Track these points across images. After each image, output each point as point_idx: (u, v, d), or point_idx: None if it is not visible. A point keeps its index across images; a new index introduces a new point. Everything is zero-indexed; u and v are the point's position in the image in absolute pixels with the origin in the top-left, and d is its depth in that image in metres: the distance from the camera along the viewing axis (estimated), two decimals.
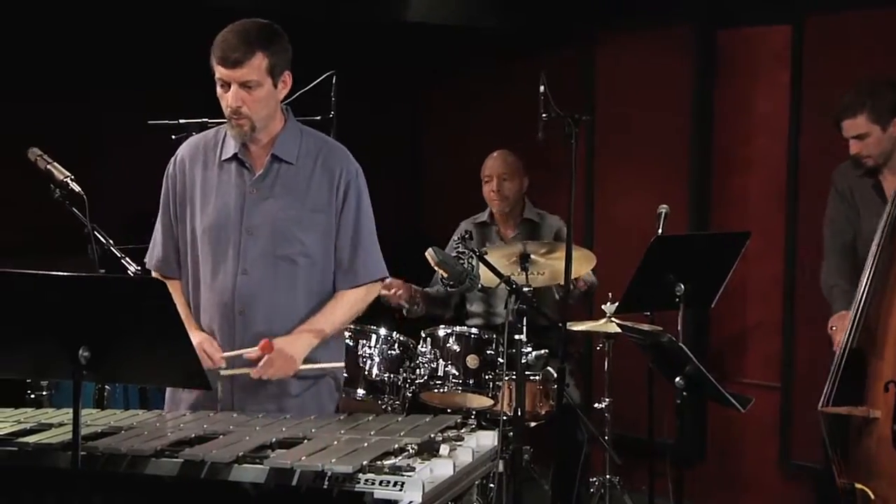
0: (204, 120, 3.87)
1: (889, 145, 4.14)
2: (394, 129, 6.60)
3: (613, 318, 4.52)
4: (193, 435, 2.79)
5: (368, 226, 3.30)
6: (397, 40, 6.08)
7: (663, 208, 4.57)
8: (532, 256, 4.45)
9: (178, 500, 2.67)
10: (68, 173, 3.36)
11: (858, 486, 3.81)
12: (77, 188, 3.34)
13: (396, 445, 2.68)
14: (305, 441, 2.74)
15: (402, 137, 6.73)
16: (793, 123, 5.23)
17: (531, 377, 4.40)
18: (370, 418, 3.03)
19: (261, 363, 3.10)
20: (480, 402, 4.48)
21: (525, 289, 3.82)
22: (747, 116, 5.46)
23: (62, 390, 4.23)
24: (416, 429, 2.87)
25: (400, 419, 3.02)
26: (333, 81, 4.37)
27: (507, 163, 4.99)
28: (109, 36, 5.21)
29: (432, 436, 2.79)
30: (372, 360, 4.46)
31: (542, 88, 3.94)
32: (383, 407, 4.43)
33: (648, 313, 4.51)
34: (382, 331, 4.50)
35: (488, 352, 4.44)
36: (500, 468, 3.17)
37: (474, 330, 4.55)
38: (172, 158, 3.32)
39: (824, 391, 3.88)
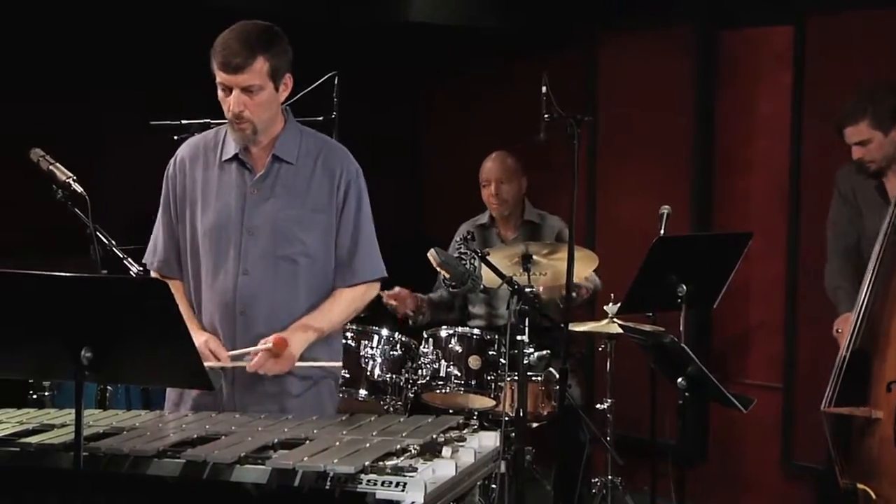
0: (206, 120, 3.87)
1: (891, 149, 4.14)
2: (395, 130, 6.61)
3: (615, 319, 4.52)
4: (195, 435, 2.79)
5: (368, 225, 3.31)
6: (399, 41, 6.08)
7: (665, 209, 4.57)
8: (534, 257, 4.45)
9: (180, 501, 2.67)
10: (70, 174, 3.36)
11: (860, 486, 3.81)
12: (79, 189, 3.34)
13: (398, 446, 2.68)
14: (307, 442, 2.74)
15: (403, 138, 6.73)
16: (795, 124, 5.23)
17: (533, 378, 4.40)
18: (372, 419, 3.03)
19: (257, 358, 3.10)
20: (482, 402, 4.48)
21: (527, 289, 3.81)
22: (749, 117, 5.46)
23: (64, 391, 4.24)
24: (419, 429, 2.87)
25: (402, 420, 3.01)
26: (335, 82, 4.37)
27: (504, 166, 4.98)
28: (111, 36, 5.21)
29: (434, 436, 2.79)
30: (374, 360, 4.46)
31: (543, 89, 3.94)
32: (385, 407, 4.43)
33: (650, 314, 4.51)
34: (384, 331, 4.50)
35: (490, 352, 4.44)
36: (502, 469, 3.18)
37: (476, 331, 4.55)
38: (172, 159, 3.32)
39: (827, 392, 3.89)
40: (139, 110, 4.28)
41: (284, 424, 2.93)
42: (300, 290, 3.23)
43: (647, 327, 4.17)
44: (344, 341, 4.39)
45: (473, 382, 4.42)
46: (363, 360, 4.44)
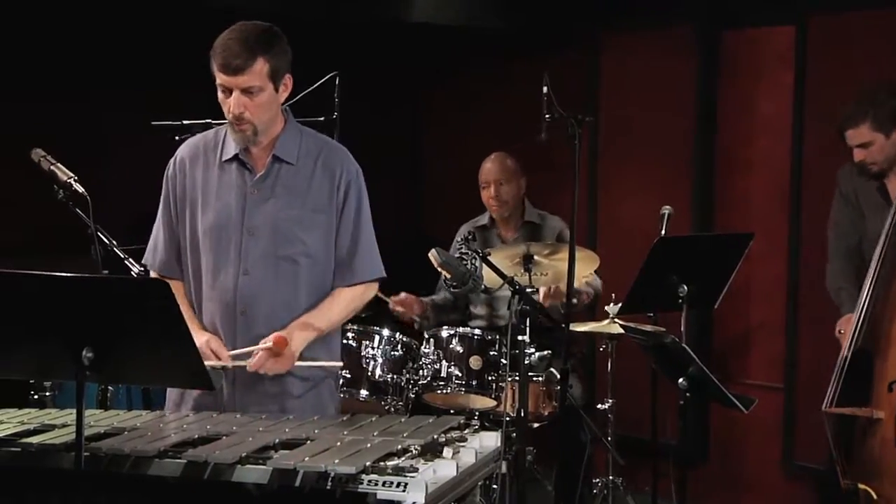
0: (207, 121, 3.87)
1: (893, 151, 4.14)
2: (396, 130, 6.61)
3: (616, 319, 4.52)
4: (197, 436, 2.79)
5: (368, 225, 3.31)
6: (400, 41, 6.08)
7: (666, 209, 4.56)
8: (535, 257, 4.44)
9: (181, 501, 2.67)
10: (72, 174, 3.36)
11: (861, 486, 3.82)
12: (80, 189, 3.34)
13: (400, 446, 2.68)
14: (308, 442, 2.74)
15: (404, 138, 6.73)
16: (796, 124, 5.23)
17: (534, 378, 4.39)
18: (373, 419, 3.03)
19: (257, 357, 3.10)
20: (483, 402, 4.48)
21: (528, 289, 3.81)
22: (751, 117, 5.46)
23: (65, 391, 4.24)
24: (420, 430, 2.87)
25: (403, 420, 3.01)
26: (336, 82, 4.37)
27: (503, 167, 4.98)
28: (112, 36, 5.21)
29: (435, 437, 2.79)
30: (375, 361, 4.46)
31: (545, 89, 3.93)
32: (386, 408, 4.43)
33: (651, 314, 4.51)
34: (386, 332, 4.50)
35: (491, 353, 4.44)
36: (504, 469, 3.18)
37: (477, 331, 4.55)
38: (172, 159, 3.31)
39: (828, 392, 3.89)
40: (140, 110, 4.28)
41: (285, 425, 2.93)
42: (301, 290, 3.23)
43: (649, 327, 4.17)
44: (345, 341, 4.41)
45: (474, 383, 4.42)
46: (364, 360, 4.44)
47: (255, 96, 3.10)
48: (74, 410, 2.51)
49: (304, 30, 4.76)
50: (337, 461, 2.53)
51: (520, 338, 3.65)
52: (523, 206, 5.07)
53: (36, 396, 4.21)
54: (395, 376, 4.46)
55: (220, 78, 3.10)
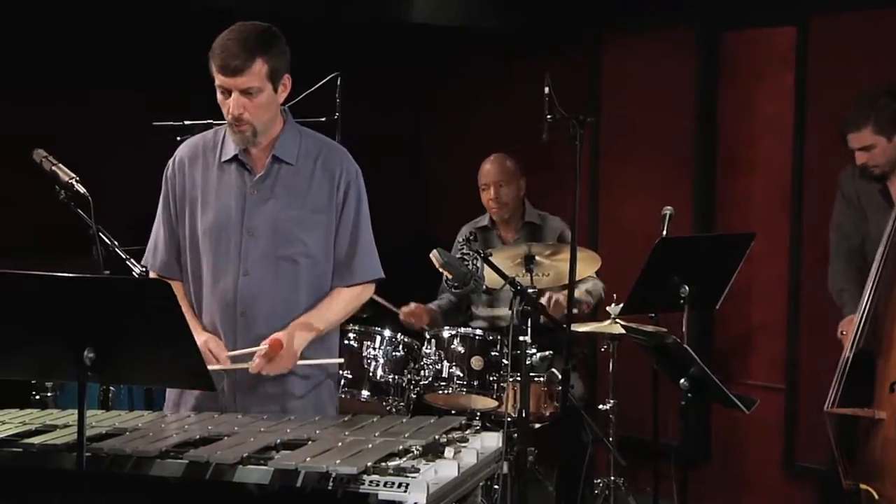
0: (208, 121, 3.87)
1: (895, 154, 4.14)
2: (398, 130, 6.61)
3: (618, 320, 4.52)
4: (198, 436, 2.79)
5: (367, 226, 3.31)
6: (401, 41, 6.08)
7: (668, 210, 4.57)
8: (537, 258, 4.44)
9: (182, 501, 2.67)
10: (73, 174, 3.36)
11: (863, 486, 3.82)
12: (82, 189, 3.34)
13: (401, 447, 2.68)
14: (310, 442, 2.74)
15: (405, 138, 6.73)
16: (797, 125, 5.23)
17: (535, 378, 4.39)
18: (374, 420, 3.02)
19: (258, 359, 3.09)
20: (485, 403, 4.48)
21: (529, 290, 3.81)
22: (752, 118, 5.46)
23: (67, 392, 4.24)
24: (421, 430, 2.87)
25: (404, 420, 3.01)
26: (338, 83, 4.37)
27: (502, 168, 4.97)
28: (113, 37, 5.22)
29: (437, 437, 2.79)
30: (376, 361, 4.46)
31: (546, 90, 3.94)
32: (388, 408, 4.43)
33: (653, 315, 4.51)
34: (387, 332, 4.50)
35: (493, 353, 4.44)
36: (505, 469, 3.18)
37: (479, 331, 4.55)
38: (171, 159, 3.31)
39: (830, 393, 3.89)
40: (142, 111, 4.29)
41: (287, 425, 2.93)
42: (301, 291, 3.23)
43: (650, 328, 4.17)
44: (346, 342, 4.41)
45: (476, 383, 4.42)
46: (366, 360, 4.45)
47: (254, 97, 3.10)
48: (76, 411, 2.51)
49: (305, 31, 4.76)
50: (338, 461, 2.53)
51: (521, 338, 3.65)
52: (524, 207, 5.07)
53: (38, 397, 4.21)
54: (396, 377, 4.46)
55: (219, 79, 3.10)
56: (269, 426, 2.91)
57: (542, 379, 4.46)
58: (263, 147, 3.21)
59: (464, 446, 2.81)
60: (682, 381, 3.51)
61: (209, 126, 3.71)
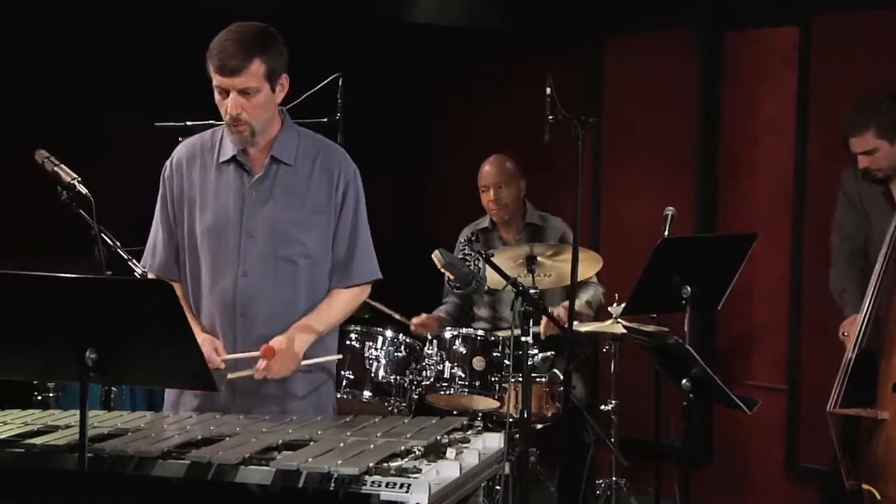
0: (210, 122, 3.87)
1: None
2: (399, 131, 6.60)
3: (620, 320, 4.52)
4: (200, 437, 2.79)
5: (365, 227, 3.31)
6: (403, 42, 6.08)
7: (670, 210, 4.56)
8: (538, 258, 4.44)
9: (184, 502, 2.68)
10: (75, 175, 3.36)
11: (865, 486, 3.82)
12: (84, 190, 3.34)
13: (403, 447, 2.68)
14: (312, 443, 2.74)
15: (407, 139, 6.73)
16: (799, 125, 5.23)
17: (537, 379, 4.39)
18: (376, 420, 3.02)
19: (263, 364, 3.10)
20: (486, 403, 4.48)
21: (531, 290, 3.81)
22: (754, 118, 5.45)
23: (69, 392, 4.24)
24: (423, 431, 2.87)
25: (406, 421, 3.01)
26: (339, 83, 4.37)
27: (502, 170, 4.97)
28: (115, 37, 5.22)
29: (438, 438, 2.80)
30: (378, 362, 4.46)
31: (548, 90, 3.93)
32: (389, 409, 4.43)
33: (655, 315, 4.50)
34: (389, 333, 4.50)
35: (494, 353, 4.44)
36: (507, 470, 3.18)
37: (480, 332, 4.55)
38: (168, 160, 3.30)
39: (833, 393, 3.89)
40: (144, 112, 4.29)
41: (288, 426, 2.93)
42: (300, 291, 3.23)
43: (652, 328, 4.17)
44: (348, 342, 4.41)
45: (477, 384, 4.42)
46: (367, 361, 4.44)
47: (252, 97, 3.09)
48: (78, 411, 2.51)
49: (307, 31, 4.76)
50: (340, 462, 2.53)
51: (523, 339, 3.65)
52: (524, 209, 5.06)
53: (39, 397, 4.20)
54: (398, 377, 4.46)
55: (217, 79, 3.10)
56: (270, 427, 2.91)
57: (543, 379, 4.46)
58: (261, 148, 3.21)
59: (466, 447, 2.81)
60: (683, 381, 3.51)
61: (211, 126, 3.71)
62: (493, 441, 2.97)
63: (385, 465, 2.56)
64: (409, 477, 2.50)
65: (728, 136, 5.54)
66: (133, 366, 2.56)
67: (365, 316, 4.64)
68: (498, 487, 4.15)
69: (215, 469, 2.59)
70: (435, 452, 2.70)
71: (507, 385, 4.36)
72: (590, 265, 4.57)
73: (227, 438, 2.79)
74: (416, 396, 4.51)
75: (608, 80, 5.88)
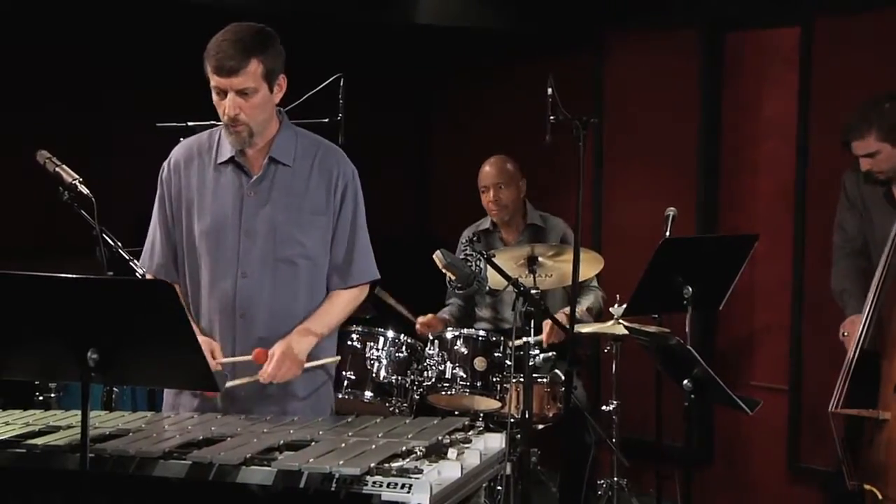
0: (211, 122, 3.87)
1: None
2: (401, 131, 6.61)
3: (621, 321, 4.52)
4: (201, 437, 2.79)
5: (364, 228, 3.31)
6: (405, 42, 6.08)
7: (671, 211, 4.56)
8: (540, 259, 4.44)
9: (185, 502, 2.67)
10: (77, 176, 3.36)
11: (867, 486, 3.82)
12: (85, 191, 3.34)
13: (404, 448, 2.68)
14: (313, 443, 2.74)
15: (409, 139, 6.74)
16: (801, 125, 5.23)
17: (539, 379, 4.39)
18: (378, 420, 3.02)
19: (270, 367, 3.09)
20: (488, 404, 4.48)
21: (532, 291, 3.81)
22: (755, 119, 5.45)
23: (70, 392, 4.24)
24: (424, 431, 2.87)
25: (407, 421, 3.01)
26: (341, 84, 4.37)
27: (502, 170, 4.97)
28: (117, 37, 5.22)
29: (440, 438, 2.79)
30: (380, 362, 4.46)
31: (549, 91, 3.93)
32: (391, 409, 4.43)
33: (656, 316, 4.50)
34: (390, 333, 4.50)
35: (496, 354, 4.44)
36: (508, 470, 3.17)
37: (482, 332, 4.55)
38: (166, 161, 3.30)
39: (835, 393, 3.89)
40: (145, 112, 4.29)
41: (290, 426, 2.93)
42: (300, 292, 3.23)
43: (653, 329, 4.17)
44: (350, 343, 4.41)
45: (479, 384, 4.42)
46: (369, 361, 4.44)
47: (250, 97, 3.09)
48: (79, 412, 2.51)
49: (308, 31, 4.76)
50: (341, 462, 2.53)
51: (524, 339, 3.65)
52: (525, 209, 5.06)
53: (41, 398, 4.21)
54: (399, 378, 4.46)
55: (215, 80, 3.10)
56: (271, 427, 2.91)
57: (545, 380, 4.46)
58: (260, 148, 3.21)
59: (467, 447, 2.81)
60: (685, 382, 3.51)
61: (212, 127, 3.71)
62: (495, 441, 2.97)
63: (386, 465, 2.56)
64: (410, 477, 2.50)
65: (729, 137, 5.54)
66: (134, 366, 2.57)
67: (366, 316, 4.64)
68: (499, 488, 4.15)
69: (216, 469, 2.60)
70: (436, 453, 2.70)
71: (508, 385, 4.36)
72: (591, 266, 4.57)
73: (229, 439, 2.79)
74: (417, 397, 4.51)
75: (610, 80, 5.89)
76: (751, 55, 5.46)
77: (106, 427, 2.90)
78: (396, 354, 4.47)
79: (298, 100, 3.62)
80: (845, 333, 4.16)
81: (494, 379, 4.42)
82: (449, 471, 2.63)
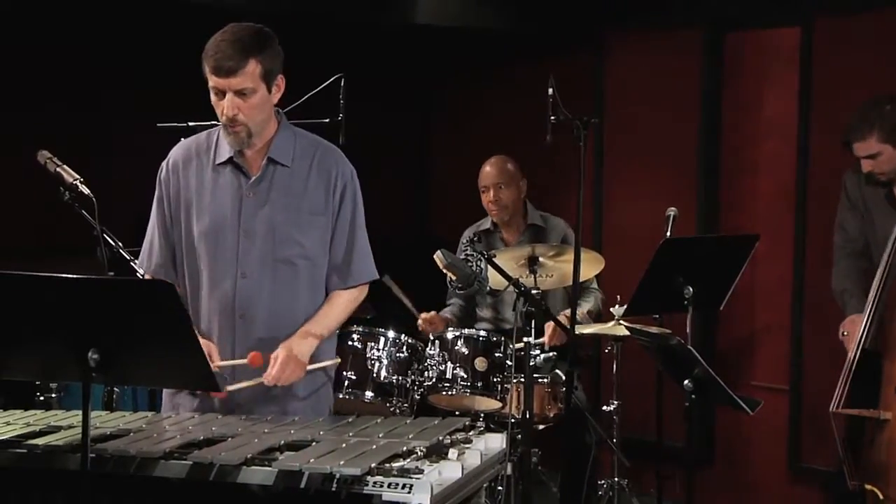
0: (213, 122, 3.87)
1: None
2: (401, 131, 6.61)
3: (622, 321, 4.52)
4: (202, 437, 2.79)
5: (362, 228, 3.31)
6: (405, 42, 6.08)
7: (672, 211, 4.56)
8: (540, 259, 4.44)
9: (186, 502, 2.67)
10: (77, 176, 3.37)
11: (868, 486, 3.83)
12: (86, 191, 3.34)
13: (405, 448, 2.68)
14: (314, 443, 2.74)
15: (409, 139, 6.74)
16: (802, 125, 5.23)
17: (539, 380, 4.39)
18: (378, 421, 3.02)
19: (274, 370, 3.09)
20: (489, 404, 4.48)
21: (533, 291, 3.81)
22: (756, 119, 5.45)
23: (71, 393, 4.24)
24: (425, 431, 2.87)
25: (408, 422, 3.01)
26: (342, 84, 4.37)
27: (502, 170, 4.96)
28: (118, 37, 5.22)
29: (441, 438, 2.79)
30: (380, 362, 4.45)
31: (550, 91, 3.93)
32: (391, 409, 4.43)
33: (657, 316, 4.50)
34: (391, 333, 4.50)
35: (496, 354, 4.44)
36: (509, 471, 3.17)
37: (483, 332, 4.54)
38: (164, 162, 3.30)
39: (836, 393, 3.89)
40: (146, 112, 4.29)
41: (290, 426, 2.93)
42: (300, 293, 3.23)
43: (654, 329, 4.16)
44: (350, 343, 4.41)
45: (480, 384, 4.42)
46: (369, 361, 4.44)
47: (248, 98, 3.09)
48: (80, 412, 2.51)
49: (309, 31, 4.76)
50: (342, 463, 2.53)
51: (525, 339, 3.65)
52: (525, 210, 5.05)
53: (42, 398, 4.21)
54: (400, 378, 4.46)
55: (213, 80, 3.09)
56: (272, 427, 2.91)
57: (546, 380, 4.45)
58: (258, 149, 3.21)
59: (467, 447, 2.81)
60: (686, 382, 3.51)
61: (213, 127, 3.71)
62: (496, 442, 2.97)
63: (387, 465, 2.56)
64: (411, 477, 2.50)
65: (730, 137, 5.54)
66: (135, 366, 2.57)
67: (367, 316, 4.64)
68: (500, 488, 4.15)
69: (217, 469, 2.60)
70: (437, 453, 2.70)
71: (509, 386, 4.36)
72: (592, 266, 4.57)
73: (229, 439, 2.79)
74: (418, 397, 4.51)
75: (610, 80, 5.88)
76: (751, 55, 5.46)
77: (107, 427, 2.90)
78: (397, 355, 4.47)
79: (299, 100, 3.62)
80: (845, 333, 4.17)
81: (495, 379, 4.42)
82: (450, 471, 2.63)
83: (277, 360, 3.09)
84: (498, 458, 2.95)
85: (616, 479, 4.90)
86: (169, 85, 5.04)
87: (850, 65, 5.02)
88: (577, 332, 4.26)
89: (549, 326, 4.47)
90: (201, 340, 3.08)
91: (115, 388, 4.06)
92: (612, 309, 4.62)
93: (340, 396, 4.33)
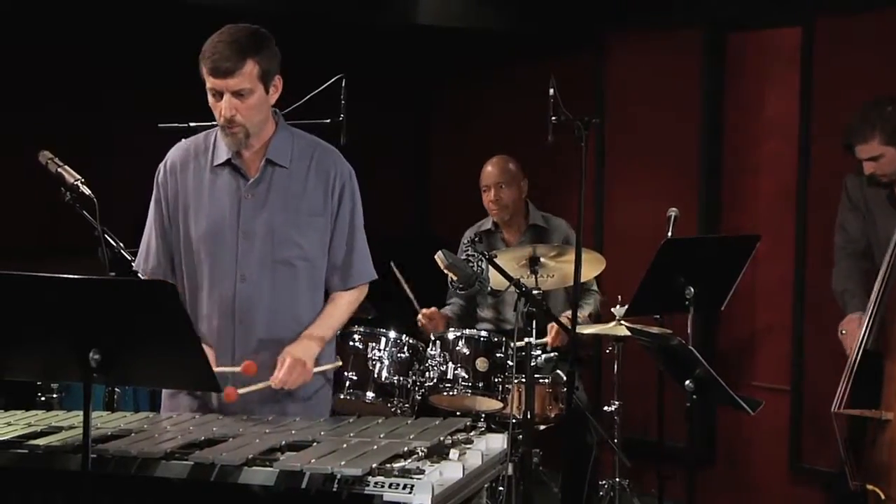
0: (214, 123, 3.87)
1: None
2: (402, 132, 6.61)
3: (623, 321, 4.52)
4: (203, 438, 2.79)
5: (361, 228, 3.31)
6: (406, 43, 6.08)
7: (673, 211, 4.56)
8: (542, 259, 4.44)
9: (187, 503, 2.67)
10: (79, 176, 3.37)
11: (870, 487, 3.83)
12: (87, 191, 3.34)
13: (406, 448, 2.68)
14: (315, 444, 2.74)
15: (410, 140, 6.74)
16: (803, 125, 5.23)
17: (540, 380, 4.39)
18: (379, 421, 3.02)
19: (281, 373, 3.09)
20: (490, 404, 4.48)
21: (534, 291, 3.81)
22: (757, 119, 5.45)
23: (72, 393, 4.24)
24: (426, 432, 2.87)
25: (409, 422, 3.01)
26: (343, 84, 4.37)
27: (503, 170, 4.96)
28: (119, 37, 5.22)
29: (442, 439, 2.79)
30: (381, 363, 4.45)
31: (551, 91, 3.93)
32: (392, 410, 4.42)
33: (658, 316, 4.50)
34: (392, 334, 4.50)
35: (497, 354, 4.44)
36: (510, 471, 3.18)
37: (483, 333, 4.54)
38: (161, 164, 3.29)
39: (838, 393, 3.89)
40: (148, 112, 4.29)
41: (291, 427, 2.93)
42: (299, 294, 3.22)
43: (655, 329, 4.16)
44: (352, 343, 4.41)
45: (481, 384, 4.42)
46: (370, 362, 4.44)
47: (245, 98, 3.09)
48: (81, 412, 2.51)
49: (310, 32, 4.77)
50: (343, 463, 2.53)
51: (526, 340, 3.65)
52: (526, 210, 5.05)
53: (43, 398, 4.21)
54: (401, 378, 4.46)
55: (210, 81, 3.09)
56: (273, 428, 2.91)
57: (547, 380, 4.45)
58: (256, 150, 3.20)
59: (469, 448, 2.81)
60: (687, 382, 3.50)
61: (214, 128, 3.71)
62: (497, 442, 2.97)
63: (388, 465, 2.56)
64: (412, 478, 2.50)
65: (731, 137, 5.54)
66: (136, 366, 2.56)
67: (368, 317, 4.64)
68: (501, 488, 4.15)
69: (218, 470, 2.59)
70: (438, 453, 2.70)
71: (510, 386, 4.36)
72: (593, 266, 4.57)
73: (230, 439, 2.79)
74: (419, 397, 4.51)
75: (611, 80, 5.88)
76: (752, 55, 5.46)
77: (108, 427, 2.90)
78: (398, 355, 4.47)
79: (300, 101, 3.62)
80: (844, 332, 4.17)
81: (496, 379, 4.42)
82: (451, 471, 2.63)
83: (284, 363, 3.09)
84: (499, 458, 2.95)
85: (617, 479, 4.90)
86: (170, 85, 5.03)
87: (852, 65, 5.02)
88: (578, 333, 4.26)
89: (553, 327, 4.46)
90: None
91: (116, 389, 4.06)
92: (613, 309, 4.62)
93: (342, 397, 4.33)
